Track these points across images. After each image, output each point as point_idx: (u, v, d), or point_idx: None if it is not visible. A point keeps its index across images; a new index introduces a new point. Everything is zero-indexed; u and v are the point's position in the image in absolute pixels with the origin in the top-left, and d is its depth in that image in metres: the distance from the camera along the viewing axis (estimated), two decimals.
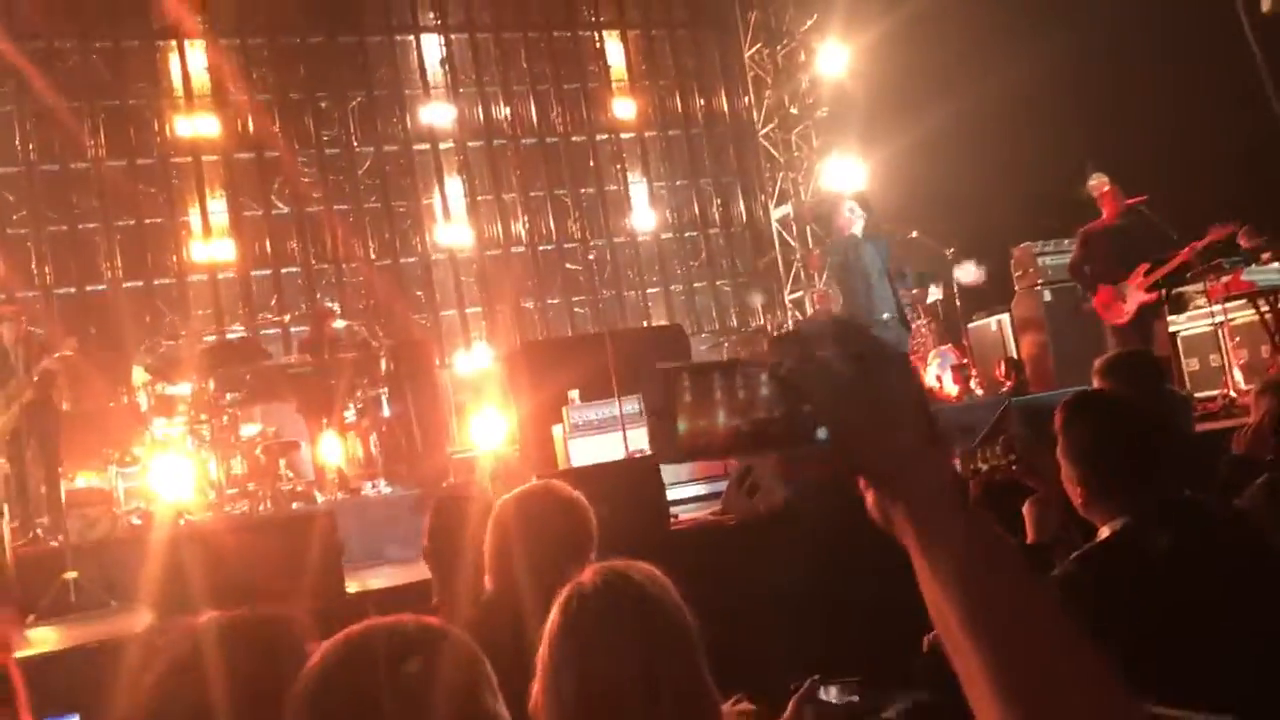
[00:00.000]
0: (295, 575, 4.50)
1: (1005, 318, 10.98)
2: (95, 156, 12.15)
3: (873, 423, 0.87)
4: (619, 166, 14.45)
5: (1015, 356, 10.72)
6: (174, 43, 12.64)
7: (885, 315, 7.73)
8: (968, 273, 9.10)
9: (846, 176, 13.86)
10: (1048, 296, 10.27)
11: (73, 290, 11.79)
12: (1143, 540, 2.38)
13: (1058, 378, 9.68)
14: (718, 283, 14.59)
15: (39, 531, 8.23)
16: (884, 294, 7.75)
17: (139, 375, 9.45)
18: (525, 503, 2.77)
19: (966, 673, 0.84)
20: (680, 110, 14.80)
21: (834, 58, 13.96)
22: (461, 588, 2.90)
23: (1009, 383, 10.51)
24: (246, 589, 4.15)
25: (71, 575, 7.28)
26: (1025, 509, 3.00)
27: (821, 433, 0.89)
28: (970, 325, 11.31)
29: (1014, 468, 3.00)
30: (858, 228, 7.80)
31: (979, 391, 10.58)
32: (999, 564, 0.85)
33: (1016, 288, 10.71)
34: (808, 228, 14.26)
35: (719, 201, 14.80)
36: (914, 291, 11.39)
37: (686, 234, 14.58)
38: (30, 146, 11.94)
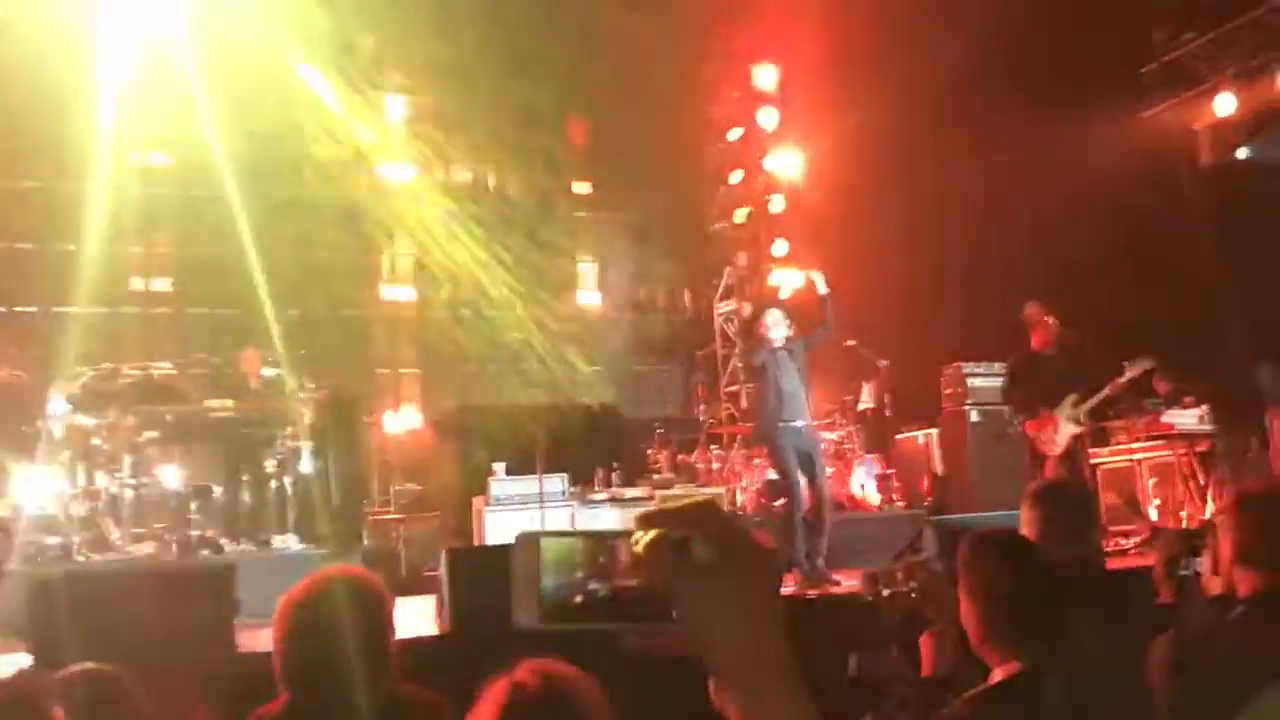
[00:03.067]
0: (183, 629, 4.37)
1: (933, 433, 11.12)
2: (41, 176, 11.96)
3: (724, 610, 0.88)
4: (571, 241, 14.53)
5: (938, 473, 10.84)
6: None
7: (798, 422, 7.87)
8: None
9: (786, 279, 14.06)
10: (975, 417, 10.43)
11: (2, 309, 11.52)
12: (1034, 688, 2.39)
13: (977, 498, 9.78)
14: (655, 366, 14.64)
15: None
16: (799, 400, 7.91)
17: (58, 404, 9.21)
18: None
19: None
20: (638, 193, 14.94)
21: (790, 161, 14.25)
22: None
23: (929, 498, 10.62)
24: (129, 641, 4.00)
25: None
26: (922, 640, 3.00)
27: (675, 613, 0.90)
28: (898, 437, 11.43)
29: (913, 596, 3.01)
30: (777, 336, 8.00)
31: (899, 503, 10.66)
32: None
33: (944, 405, 10.86)
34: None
35: (665, 288, 14.92)
36: (846, 398, 11.54)
37: (628, 318, 14.67)
38: None
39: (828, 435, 11.55)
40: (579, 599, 0.92)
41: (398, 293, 13.52)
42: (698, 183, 15.09)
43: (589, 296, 14.46)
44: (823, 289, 8.39)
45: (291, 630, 2.36)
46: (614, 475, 10.35)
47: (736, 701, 0.89)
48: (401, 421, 13.04)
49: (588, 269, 14.63)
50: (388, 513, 11.75)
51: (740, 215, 14.49)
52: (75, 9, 11.08)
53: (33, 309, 11.68)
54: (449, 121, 14.07)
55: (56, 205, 12.00)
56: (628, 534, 0.92)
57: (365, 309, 13.41)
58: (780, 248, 14.18)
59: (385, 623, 2.47)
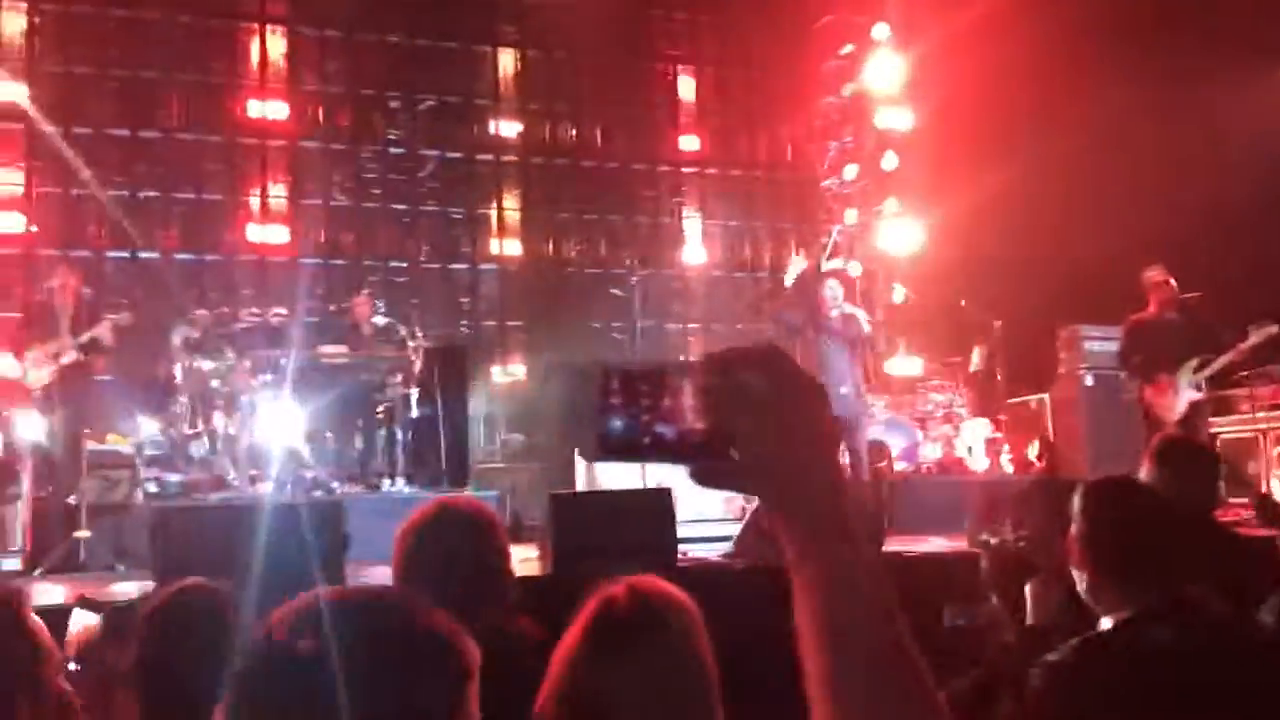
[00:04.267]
0: (295, 563, 4.50)
1: (1045, 398, 10.85)
2: (165, 126, 12.36)
3: (777, 442, 0.91)
4: (676, 199, 14.48)
5: (1050, 438, 10.58)
6: (256, 25, 12.86)
7: (843, 389, 7.91)
8: None
9: (901, 238, 13.82)
10: (1089, 381, 10.14)
11: (126, 255, 11.95)
12: (1143, 636, 2.32)
13: (1091, 464, 9.53)
14: (760, 328, 14.53)
15: (57, 488, 8.32)
16: (841, 368, 8.00)
17: (179, 348, 9.55)
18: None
19: (811, 675, 0.90)
20: (745, 151, 14.81)
21: (901, 115, 13.95)
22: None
23: (1040, 464, 10.38)
24: (244, 571, 4.14)
25: (83, 534, 7.38)
26: (1028, 588, 2.94)
27: (735, 452, 0.92)
28: (1009, 401, 11.18)
29: (1021, 544, 2.95)
30: (834, 308, 8.15)
31: (1009, 469, 10.46)
32: (865, 599, 0.90)
33: (1060, 369, 10.58)
34: (857, 284, 14.21)
35: (772, 246, 14.78)
36: (955, 360, 11.33)
37: (735, 274, 14.57)
38: (104, 110, 12.16)
39: (935, 397, 11.37)
40: (645, 439, 0.93)
41: (504, 247, 13.66)
42: (807, 139, 14.89)
43: (694, 253, 14.40)
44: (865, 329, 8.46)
45: (408, 556, 2.40)
46: None
47: (791, 532, 0.92)
48: (507, 373, 13.20)
49: (693, 226, 14.55)
50: (493, 461, 11.94)
51: (850, 172, 14.25)
52: None
53: (154, 254, 12.09)
54: (556, 76, 14.10)
55: (177, 154, 12.40)
56: (693, 371, 0.94)
57: (473, 262, 13.57)
58: (891, 205, 13.93)
59: (500, 551, 2.48)
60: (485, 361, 13.05)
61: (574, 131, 14.17)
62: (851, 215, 14.28)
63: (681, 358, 13.28)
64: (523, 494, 10.76)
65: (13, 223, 11.53)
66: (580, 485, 9.56)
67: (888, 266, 14.05)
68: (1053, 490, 6.40)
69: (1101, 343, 10.12)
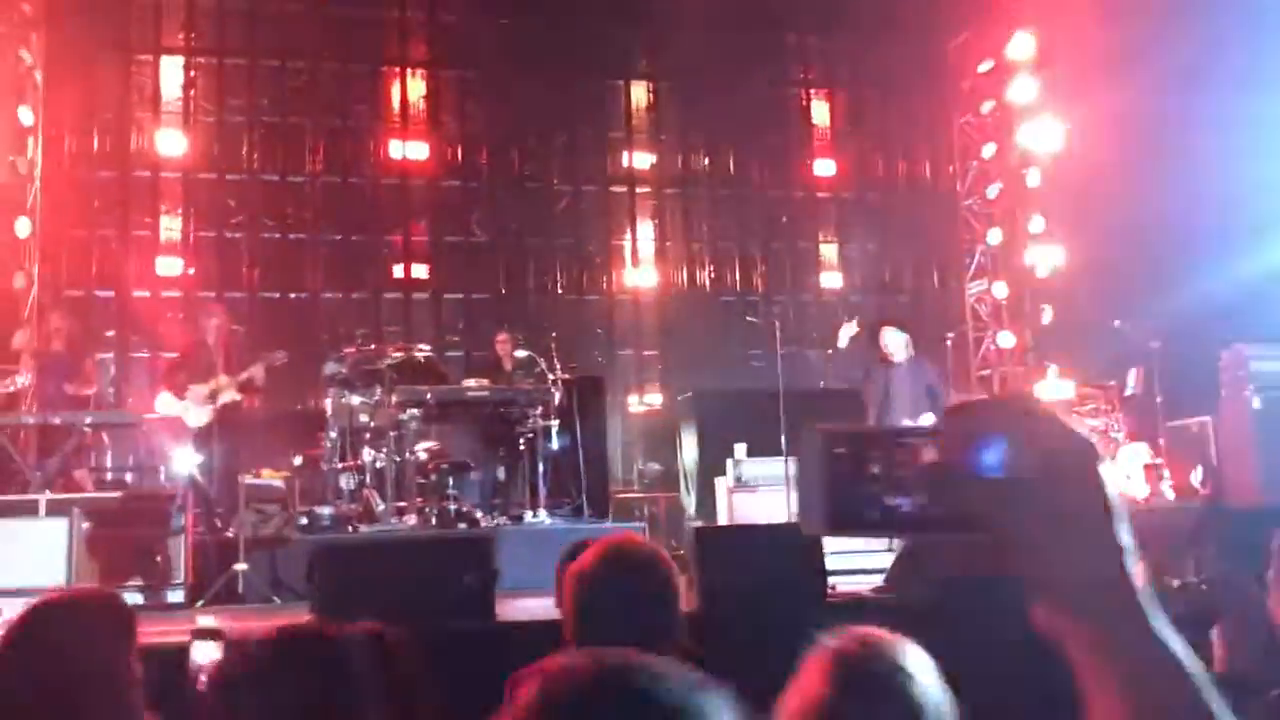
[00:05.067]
0: (447, 597, 4.54)
1: (1208, 420, 10.30)
2: (312, 171, 12.81)
3: (1052, 535, 0.77)
4: (812, 224, 14.33)
5: (1215, 463, 10.04)
6: (397, 69, 13.26)
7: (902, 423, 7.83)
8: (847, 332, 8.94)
9: (1047, 257, 13.40)
10: (1257, 404, 9.58)
11: (276, 295, 12.39)
12: None
13: (1262, 491, 8.99)
14: None
15: (216, 522, 8.63)
16: (902, 404, 7.87)
17: (328, 383, 9.81)
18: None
19: None
20: (881, 173, 14.59)
21: (1048, 133, 13.55)
22: None
23: (1205, 490, 9.86)
24: (399, 605, 4.18)
25: (241, 568, 7.60)
26: (1215, 633, 2.74)
27: (989, 528, 0.79)
28: (1170, 425, 10.66)
29: (1204, 588, 2.76)
30: (898, 358, 8.05)
31: (1170, 495, 9.96)
32: (1178, 684, 0.77)
33: (1223, 391, 10.04)
34: (1003, 307, 13.81)
35: (911, 269, 14.49)
36: (1110, 384, 10.88)
37: (875, 298, 14.32)
38: (255, 156, 12.68)
39: (1090, 422, 10.92)
40: (879, 513, 0.83)
41: (641, 277, 13.71)
42: (946, 158, 14.58)
43: (832, 279, 14.21)
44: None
45: (586, 601, 2.35)
46: None
47: (1081, 630, 0.78)
48: (644, 402, 13.22)
49: (830, 250, 14.37)
50: (631, 491, 11.95)
51: (993, 191, 13.89)
52: None
53: (303, 294, 12.51)
54: (689, 106, 14.14)
55: (323, 197, 12.84)
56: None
57: (610, 293, 13.66)
58: (1037, 224, 13.51)
59: (677, 594, 2.42)
60: (621, 391, 13.09)
61: (707, 161, 14.18)
62: (995, 234, 13.90)
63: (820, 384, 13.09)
64: (662, 523, 10.74)
65: (173, 267, 12.06)
66: (721, 516, 9.48)
67: (1034, 286, 13.62)
68: (1228, 522, 6.06)
69: (1269, 362, 9.57)
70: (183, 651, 2.74)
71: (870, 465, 0.82)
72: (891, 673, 1.52)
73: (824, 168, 14.41)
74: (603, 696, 0.89)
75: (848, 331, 8.70)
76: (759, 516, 8.58)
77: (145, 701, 2.32)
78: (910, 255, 14.57)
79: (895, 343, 8.47)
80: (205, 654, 2.33)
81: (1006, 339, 13.65)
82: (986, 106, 14.01)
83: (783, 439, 8.01)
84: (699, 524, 7.90)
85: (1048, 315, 13.23)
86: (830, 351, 10.69)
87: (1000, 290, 13.73)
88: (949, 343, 11.74)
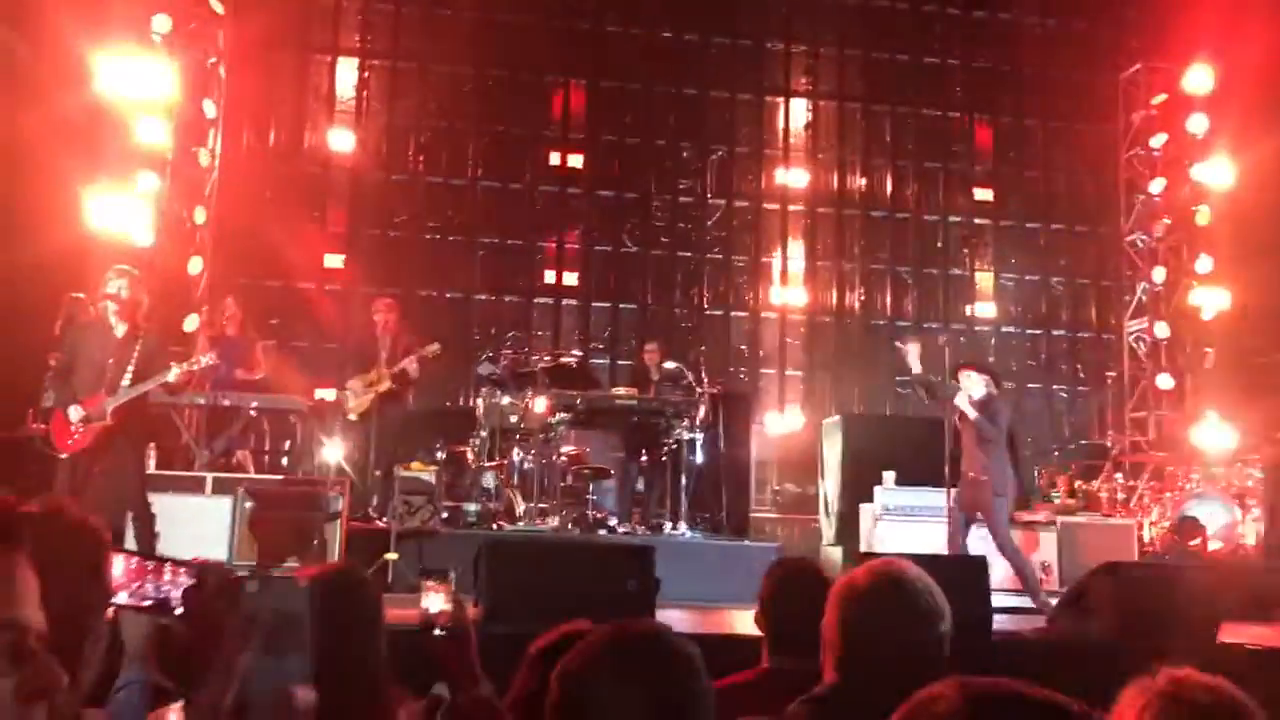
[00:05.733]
0: (610, 600, 4.56)
1: None
2: (472, 176, 13.11)
3: None
4: (967, 251, 14.04)
5: None
6: (560, 80, 13.48)
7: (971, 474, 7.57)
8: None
9: (1210, 298, 12.89)
10: None
11: (433, 293, 12.70)
12: None
13: None
14: (1054, 387, 13.84)
15: (370, 511, 8.87)
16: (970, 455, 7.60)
17: (480, 384, 10.02)
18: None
19: None
20: (1042, 202, 14.21)
21: (1220, 170, 13.03)
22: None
23: None
24: (565, 605, 4.22)
25: (392, 557, 7.79)
26: None
27: None
28: None
29: None
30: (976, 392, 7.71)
31: None
32: None
33: None
34: (1162, 348, 13.30)
35: (1069, 303, 14.07)
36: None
37: (1028, 331, 13.95)
38: (420, 158, 13.04)
39: (1256, 473, 10.47)
40: None
41: (789, 295, 13.63)
42: (1110, 191, 14.12)
43: (985, 309, 13.90)
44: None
45: (853, 615, 2.35)
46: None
47: None
48: (786, 423, 13.11)
49: (986, 279, 14.05)
50: (764, 510, 11.86)
51: (1160, 229, 13.40)
52: None
53: (458, 294, 12.80)
54: (847, 126, 14.02)
55: (483, 200, 13.12)
56: None
57: (756, 310, 13.61)
58: (1204, 264, 12.99)
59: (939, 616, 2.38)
60: (761, 409, 13.02)
61: (863, 181, 14.04)
62: (1160, 273, 13.40)
63: None
64: (797, 546, 10.62)
65: (337, 260, 12.46)
66: (862, 545, 9.33)
67: (1197, 328, 13.09)
68: None
69: None
70: None
71: None
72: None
73: (983, 194, 14.11)
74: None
75: (915, 351, 8.42)
76: (904, 547, 8.41)
77: None
78: (1069, 289, 14.14)
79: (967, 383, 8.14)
80: (437, 603, 2.45)
81: (1165, 380, 13.13)
82: (1158, 140, 13.53)
83: (946, 470, 7.79)
84: (858, 549, 7.77)
85: (1210, 360, 12.70)
86: (905, 378, 10.42)
87: (1161, 330, 13.23)
88: (1109, 381, 11.36)
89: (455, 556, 6.80)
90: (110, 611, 1.83)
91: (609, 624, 1.74)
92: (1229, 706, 1.38)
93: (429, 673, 2.51)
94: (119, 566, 1.78)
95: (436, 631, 2.49)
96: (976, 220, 14.10)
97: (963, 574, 5.19)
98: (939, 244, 13.98)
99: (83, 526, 1.79)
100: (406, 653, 2.50)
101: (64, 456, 6.76)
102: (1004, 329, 13.86)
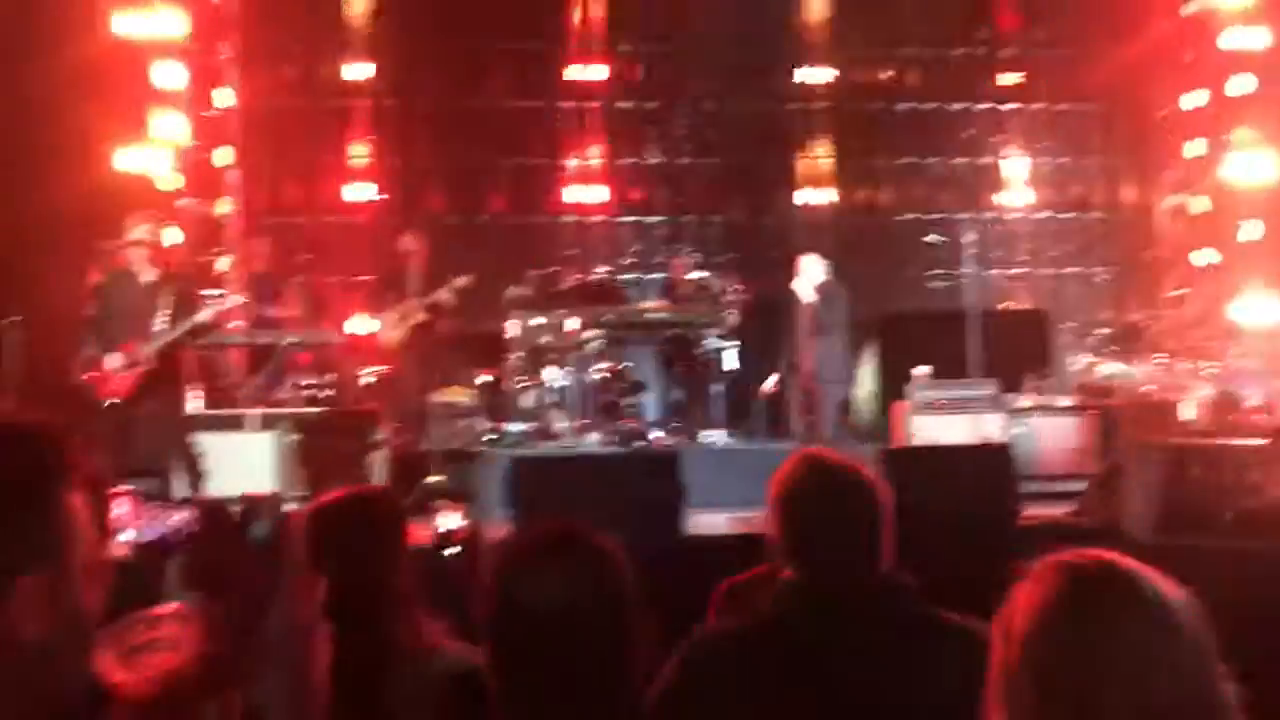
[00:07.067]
0: (634, 511, 4.65)
1: None
2: (491, 95, 13.01)
3: None
4: (998, 138, 13.76)
5: None
6: None
7: None
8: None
9: (1254, 169, 12.55)
10: None
11: (459, 219, 12.72)
12: None
13: None
14: (1090, 270, 13.66)
15: (411, 437, 9.06)
16: None
17: (510, 304, 10.09)
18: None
19: None
20: (1073, 82, 13.84)
21: (1254, 34, 12.62)
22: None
23: None
24: (596, 517, 4.31)
25: (435, 479, 7.96)
26: None
27: None
28: None
29: None
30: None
31: None
32: None
33: None
34: (1200, 221, 13.04)
35: (1104, 183, 13.81)
36: None
37: (1062, 215, 13.72)
38: (438, 81, 12.95)
39: None
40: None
41: (815, 196, 13.47)
42: (1141, 64, 13.72)
43: (1017, 195, 13.65)
44: None
45: (793, 508, 2.37)
46: (1044, 383, 9.86)
47: None
48: None
49: (1016, 165, 13.77)
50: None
51: (1194, 99, 13.04)
52: None
53: (484, 219, 12.82)
54: (868, 18, 13.70)
55: (504, 121, 13.05)
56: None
57: (787, 212, 13.50)
58: (1242, 134, 12.65)
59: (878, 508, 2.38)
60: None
61: (887, 74, 13.75)
62: (1195, 146, 13.07)
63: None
64: (832, 446, 10.67)
65: (365, 192, 12.50)
66: (898, 440, 9.37)
67: (1236, 202, 12.81)
68: None
69: None
70: None
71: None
72: (1130, 590, 1.40)
73: (1011, 77, 13.76)
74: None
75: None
76: (940, 440, 8.44)
77: None
78: (1104, 169, 13.87)
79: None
80: (449, 521, 2.56)
81: (1204, 256, 12.89)
82: (1187, 8, 13.10)
83: (966, 362, 7.78)
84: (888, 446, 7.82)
85: (1250, 231, 12.44)
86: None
87: (1200, 204, 12.95)
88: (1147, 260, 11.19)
89: (495, 477, 6.94)
90: (126, 550, 1.92)
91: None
92: (1129, 578, 1.38)
93: (444, 590, 2.60)
94: (124, 507, 1.86)
95: (449, 550, 2.57)
96: (1005, 105, 13.79)
97: (991, 461, 5.22)
98: (967, 132, 13.71)
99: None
100: (423, 572, 2.59)
101: (107, 404, 6.94)
102: (1038, 215, 13.65)
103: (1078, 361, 11.17)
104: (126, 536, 1.77)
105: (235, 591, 1.74)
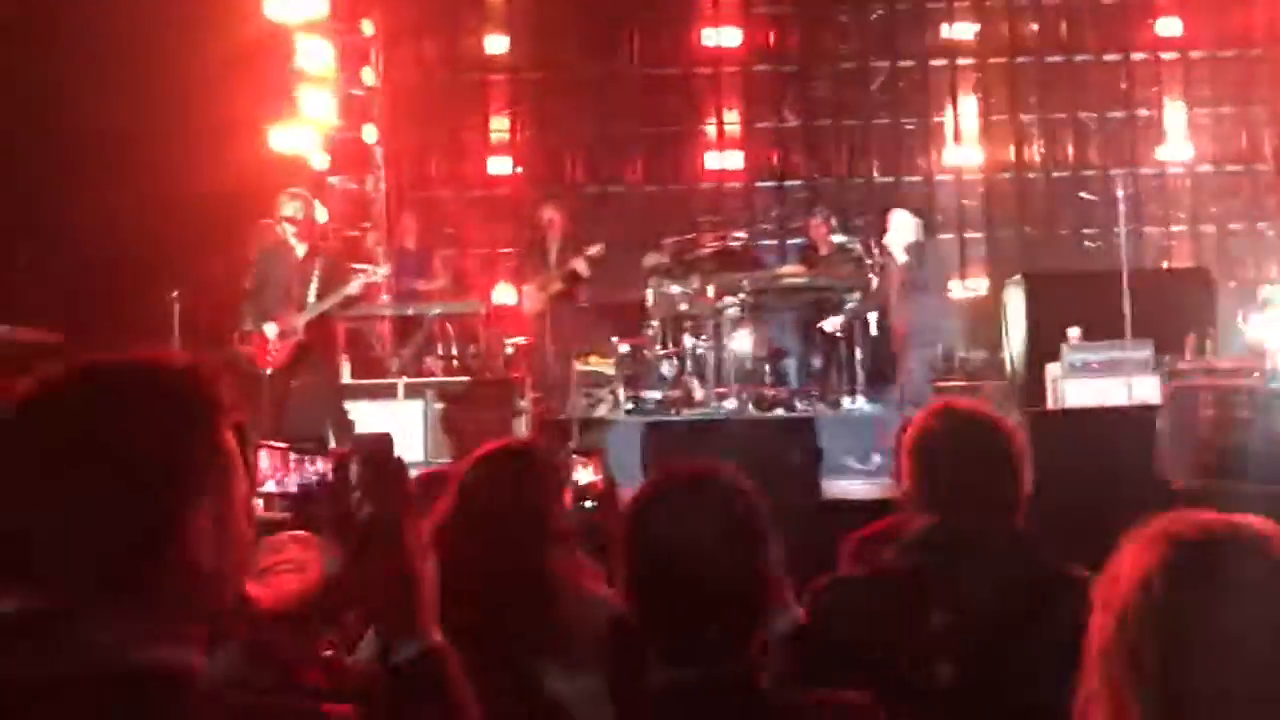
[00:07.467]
0: (776, 473, 4.62)
1: None
2: (627, 63, 13.02)
3: None
4: (1155, 89, 13.08)
5: None
6: None
7: None
8: None
9: None
10: None
11: (596, 190, 12.80)
12: None
13: None
14: (1259, 225, 12.91)
15: (554, 405, 9.22)
16: None
17: (648, 273, 10.13)
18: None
19: None
20: (1236, 27, 13.05)
21: None
22: None
23: None
24: None
25: (574, 446, 8.08)
26: None
27: None
28: None
29: None
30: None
31: None
32: None
33: None
34: None
35: (1273, 133, 13.00)
36: None
37: (1227, 168, 12.98)
38: (572, 51, 13.01)
39: None
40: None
41: (961, 155, 13.08)
42: None
43: (1177, 149, 12.97)
44: None
45: (928, 454, 2.38)
46: (1208, 344, 9.39)
47: None
48: (966, 287, 12.73)
49: (1176, 117, 13.08)
50: (953, 379, 11.62)
51: None
52: None
53: (620, 189, 12.86)
54: None
55: (639, 90, 13.02)
56: None
57: (929, 173, 13.15)
58: None
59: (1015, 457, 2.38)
60: (942, 276, 12.65)
61: (1035, 26, 13.20)
62: None
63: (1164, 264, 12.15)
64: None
65: (503, 166, 12.70)
66: (1049, 403, 9.08)
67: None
68: None
69: None
70: None
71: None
72: (1232, 557, 1.31)
73: (1169, 26, 13.05)
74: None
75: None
76: (1091, 402, 8.14)
77: None
78: (1272, 118, 13.06)
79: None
80: (585, 476, 2.64)
81: None
82: None
83: (1126, 324, 7.46)
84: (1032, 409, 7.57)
85: None
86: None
87: None
88: None
89: (632, 443, 7.00)
90: (260, 503, 1.97)
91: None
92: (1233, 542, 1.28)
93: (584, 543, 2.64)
94: (265, 460, 1.92)
95: (586, 503, 2.61)
96: (1163, 55, 13.10)
97: (1136, 423, 5.03)
98: (1122, 85, 13.09)
99: None
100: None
101: (265, 373, 7.26)
102: (1199, 168, 12.96)
103: (1245, 323, 10.61)
104: (268, 488, 1.84)
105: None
